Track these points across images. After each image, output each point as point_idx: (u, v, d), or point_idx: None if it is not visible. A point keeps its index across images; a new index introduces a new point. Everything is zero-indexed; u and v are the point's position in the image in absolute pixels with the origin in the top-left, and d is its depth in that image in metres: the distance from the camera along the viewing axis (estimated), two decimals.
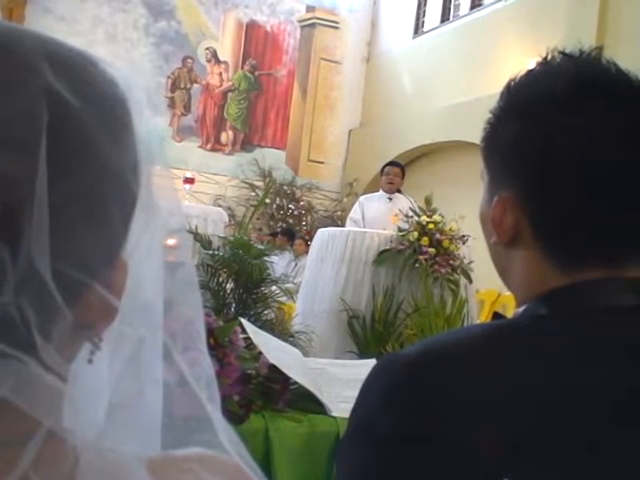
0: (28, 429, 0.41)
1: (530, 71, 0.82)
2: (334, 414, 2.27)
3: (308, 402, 2.29)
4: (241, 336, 2.14)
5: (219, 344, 1.91)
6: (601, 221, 0.75)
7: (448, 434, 0.67)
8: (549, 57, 0.82)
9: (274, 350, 2.26)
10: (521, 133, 0.78)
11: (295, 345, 3.91)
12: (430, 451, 0.66)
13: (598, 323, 0.74)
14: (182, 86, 12.33)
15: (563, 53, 0.81)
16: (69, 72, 0.44)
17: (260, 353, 2.20)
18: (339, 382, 2.30)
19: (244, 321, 2.30)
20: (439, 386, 0.69)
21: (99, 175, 0.44)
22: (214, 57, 12.57)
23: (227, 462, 0.52)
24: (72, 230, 0.42)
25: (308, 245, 8.02)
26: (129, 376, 0.50)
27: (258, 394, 2.14)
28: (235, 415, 1.90)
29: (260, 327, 3.58)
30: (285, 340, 3.50)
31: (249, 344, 2.38)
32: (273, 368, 2.19)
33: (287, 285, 5.37)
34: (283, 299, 5.41)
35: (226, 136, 12.64)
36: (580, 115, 0.75)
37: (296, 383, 2.29)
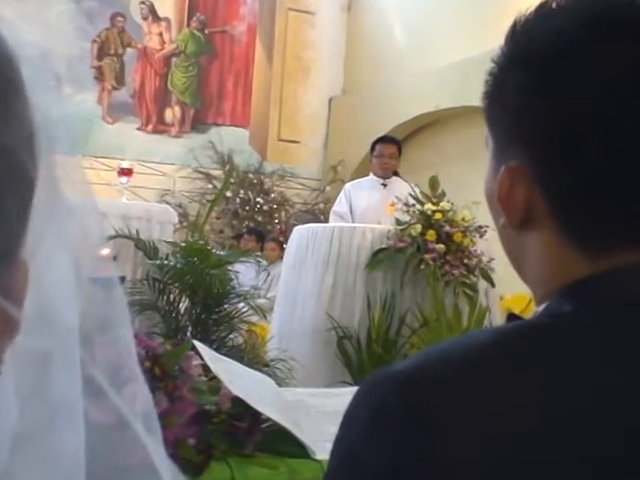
0: None
1: (539, 8, 0.83)
2: (318, 457, 2.29)
3: (285, 443, 2.29)
4: (195, 363, 2.15)
5: (167, 374, 1.91)
6: (633, 191, 0.76)
7: (449, 470, 0.68)
8: None
9: (239, 379, 2.28)
10: (529, 85, 0.80)
11: (271, 376, 3.92)
12: None
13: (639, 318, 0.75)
14: (112, 52, 12.29)
15: None
16: None
17: (221, 383, 2.22)
18: (323, 416, 2.32)
19: (198, 344, 2.31)
20: (439, 409, 0.70)
21: None
22: (152, 13, 12.54)
23: None
24: None
25: (283, 248, 8.02)
26: (36, 400, 0.51)
27: (220, 436, 2.14)
28: (191, 464, 1.90)
29: (225, 355, 3.59)
30: (259, 370, 3.51)
31: (210, 376, 2.39)
32: (238, 402, 2.19)
33: (258, 301, 5.37)
34: (254, 319, 5.42)
35: (172, 113, 12.61)
36: (600, 59, 0.77)
37: (269, 420, 2.29)
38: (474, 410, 0.70)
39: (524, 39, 0.82)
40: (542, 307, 0.81)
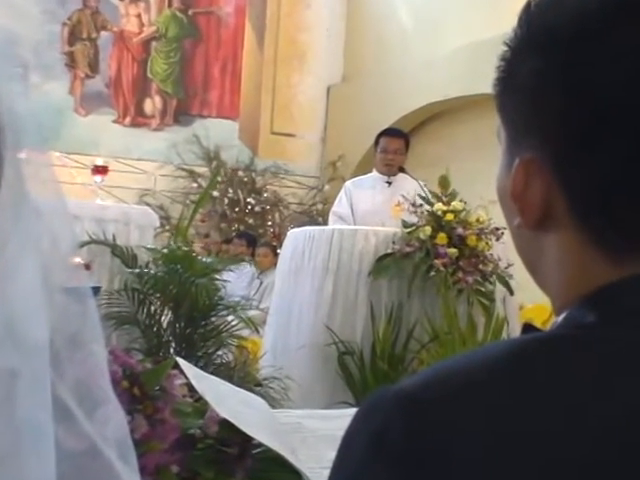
0: None
1: None
2: None
3: (278, 471, 2.30)
4: (179, 382, 2.15)
5: (147, 395, 1.92)
6: None
7: None
8: None
9: (227, 400, 2.28)
10: (545, 70, 0.80)
11: (264, 396, 3.92)
12: None
13: None
14: (85, 36, 12.30)
15: None
16: None
17: (208, 405, 2.22)
18: (322, 441, 2.32)
19: (182, 361, 2.32)
20: (446, 432, 0.71)
21: None
22: None
23: None
24: None
25: (277, 254, 8.03)
26: (1, 424, 0.51)
27: (207, 462, 2.14)
28: None
29: (213, 374, 3.59)
30: (250, 390, 3.51)
31: (196, 397, 2.39)
32: (226, 425, 2.19)
33: (249, 313, 5.38)
34: (244, 333, 5.43)
35: (152, 104, 12.62)
36: (625, 40, 0.77)
37: (260, 445, 2.30)
38: (485, 434, 0.70)
39: (540, 19, 0.82)
40: (561, 317, 0.81)
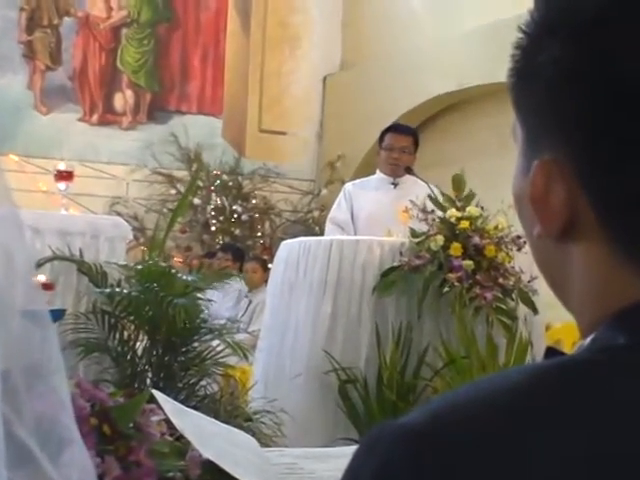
0: None
1: None
2: None
3: None
4: (156, 419, 2.15)
5: (119, 433, 1.91)
6: None
7: None
8: None
9: (212, 438, 2.27)
10: (567, 58, 0.80)
11: (255, 433, 3.92)
12: None
13: None
14: (45, 23, 12.30)
15: None
16: None
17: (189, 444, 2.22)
18: None
19: (158, 394, 2.32)
20: (456, 469, 0.71)
21: None
22: None
23: None
24: None
25: (267, 269, 8.03)
26: None
27: None
28: None
29: (196, 408, 3.59)
30: (239, 427, 3.51)
31: (176, 435, 2.39)
32: (211, 467, 2.18)
33: (237, 337, 5.38)
34: (232, 360, 5.42)
35: (123, 99, 12.62)
36: None
37: None
38: (506, 476, 0.71)
39: (559, 2, 0.83)
40: (589, 339, 0.81)
